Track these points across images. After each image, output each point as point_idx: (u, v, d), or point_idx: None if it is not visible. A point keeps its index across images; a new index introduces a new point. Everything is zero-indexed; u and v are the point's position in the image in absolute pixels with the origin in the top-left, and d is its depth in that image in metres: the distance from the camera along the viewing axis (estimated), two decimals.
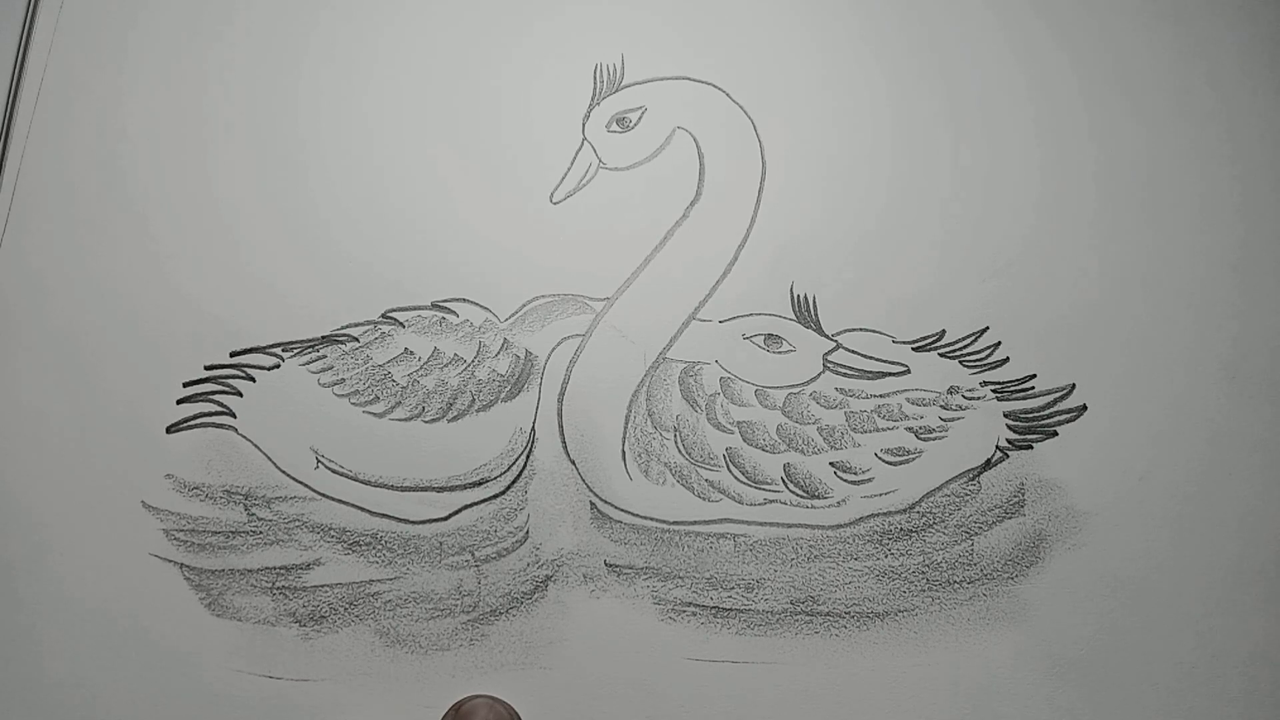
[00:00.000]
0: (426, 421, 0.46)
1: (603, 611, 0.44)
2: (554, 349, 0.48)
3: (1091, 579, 0.45)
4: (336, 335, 0.47)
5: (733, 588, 0.45)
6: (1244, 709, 0.43)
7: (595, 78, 0.51)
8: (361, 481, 0.45)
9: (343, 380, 0.47)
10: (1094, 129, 0.51)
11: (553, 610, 0.44)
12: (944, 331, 0.48)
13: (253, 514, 0.45)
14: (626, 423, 0.47)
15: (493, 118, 0.51)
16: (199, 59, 0.51)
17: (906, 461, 0.46)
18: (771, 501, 0.46)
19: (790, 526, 0.46)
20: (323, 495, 0.45)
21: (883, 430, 0.47)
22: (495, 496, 0.45)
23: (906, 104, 0.52)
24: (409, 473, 0.45)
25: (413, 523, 0.45)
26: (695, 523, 0.46)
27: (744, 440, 0.47)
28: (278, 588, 0.44)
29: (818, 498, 0.46)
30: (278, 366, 0.47)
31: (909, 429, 0.47)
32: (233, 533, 0.45)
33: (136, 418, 0.46)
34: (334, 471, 0.45)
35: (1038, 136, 0.51)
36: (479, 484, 0.46)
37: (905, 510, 0.46)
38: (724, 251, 0.49)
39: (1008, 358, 0.48)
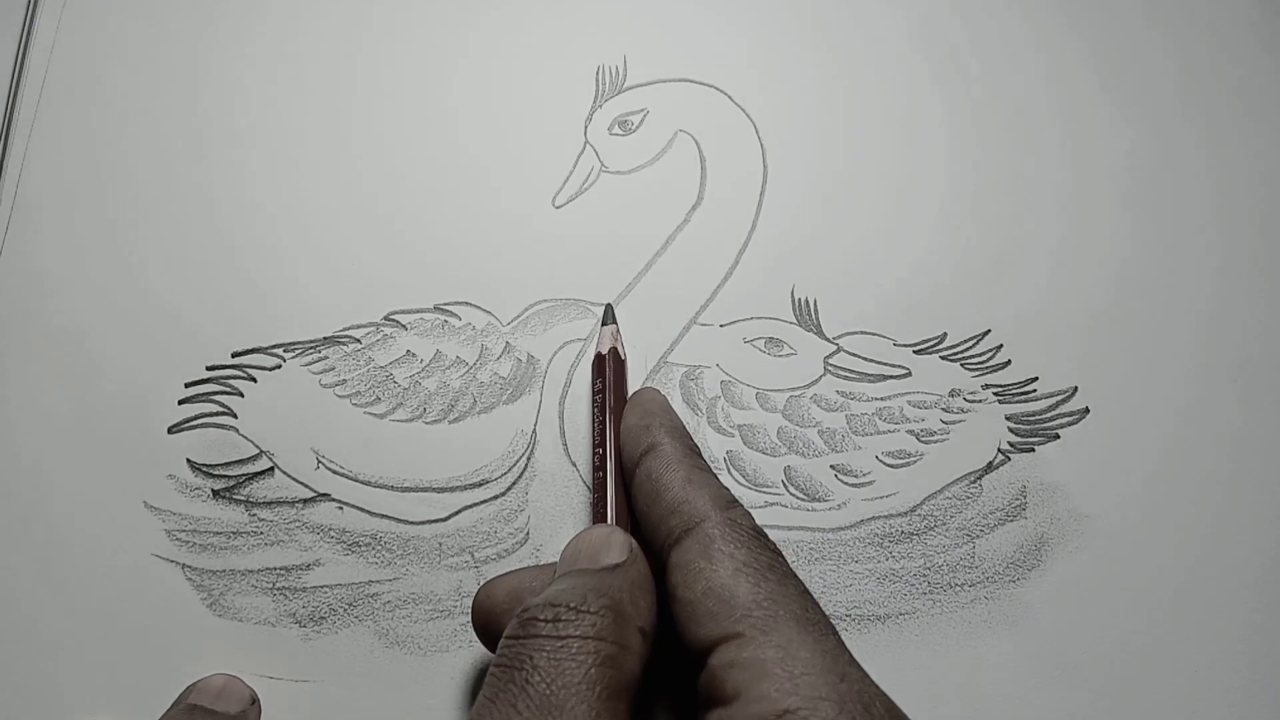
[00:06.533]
0: (428, 423, 0.46)
1: None
2: (556, 352, 0.47)
3: (1094, 582, 0.44)
4: (338, 336, 0.47)
5: None
6: (1247, 713, 0.43)
7: (597, 79, 0.51)
8: (362, 482, 0.45)
9: (344, 381, 0.46)
10: (1099, 132, 0.51)
11: None
12: (945, 334, 0.48)
13: (254, 514, 0.45)
14: None
15: (494, 120, 0.51)
16: (201, 60, 0.51)
17: (907, 464, 0.46)
18: (772, 504, 0.45)
19: (791, 529, 0.45)
20: (323, 496, 0.45)
21: (884, 433, 0.46)
22: (496, 498, 0.45)
23: (909, 107, 0.52)
24: (409, 474, 0.45)
25: (413, 523, 0.45)
26: None
27: (744, 444, 0.46)
28: (278, 588, 0.44)
29: (818, 500, 0.45)
30: (279, 367, 0.47)
31: (910, 432, 0.46)
32: (234, 533, 0.44)
33: (138, 418, 0.46)
34: (334, 472, 0.45)
35: (1043, 140, 0.51)
36: (479, 485, 0.45)
37: (906, 513, 0.45)
38: (726, 255, 0.49)
39: (1010, 360, 0.47)
